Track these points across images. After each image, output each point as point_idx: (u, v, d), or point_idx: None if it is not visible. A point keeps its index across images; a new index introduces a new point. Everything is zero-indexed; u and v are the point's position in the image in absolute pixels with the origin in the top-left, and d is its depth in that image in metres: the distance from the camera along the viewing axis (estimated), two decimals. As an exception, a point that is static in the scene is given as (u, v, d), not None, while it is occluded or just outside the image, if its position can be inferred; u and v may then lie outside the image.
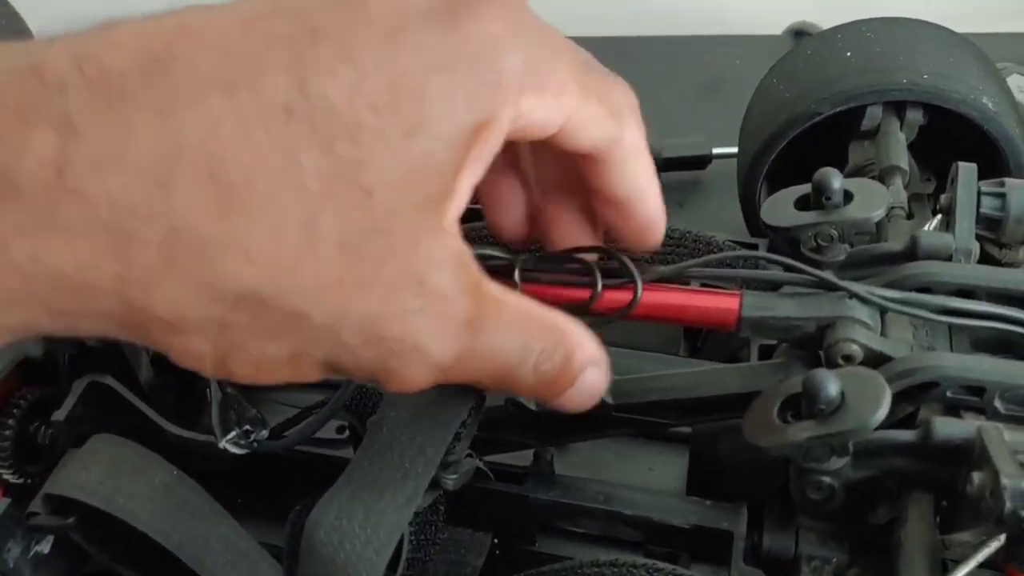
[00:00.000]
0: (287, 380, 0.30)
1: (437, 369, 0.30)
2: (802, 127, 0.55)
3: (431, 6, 0.28)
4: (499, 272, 0.41)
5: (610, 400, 0.41)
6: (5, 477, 0.48)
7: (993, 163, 0.55)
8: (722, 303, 0.39)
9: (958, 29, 0.80)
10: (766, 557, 0.42)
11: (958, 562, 0.34)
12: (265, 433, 0.38)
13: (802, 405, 0.34)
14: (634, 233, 0.37)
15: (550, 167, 0.37)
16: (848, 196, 0.41)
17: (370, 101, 0.27)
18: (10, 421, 0.47)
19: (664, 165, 0.76)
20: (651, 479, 0.50)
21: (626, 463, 0.51)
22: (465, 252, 0.30)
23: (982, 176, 0.47)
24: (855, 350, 0.37)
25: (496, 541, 0.47)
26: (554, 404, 0.34)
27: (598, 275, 0.39)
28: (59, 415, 0.46)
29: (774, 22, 0.96)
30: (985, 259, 0.44)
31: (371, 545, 0.34)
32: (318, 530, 0.34)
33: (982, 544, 0.34)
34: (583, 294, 0.40)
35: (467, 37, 0.28)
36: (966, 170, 0.44)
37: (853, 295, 0.38)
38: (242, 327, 0.28)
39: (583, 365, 0.33)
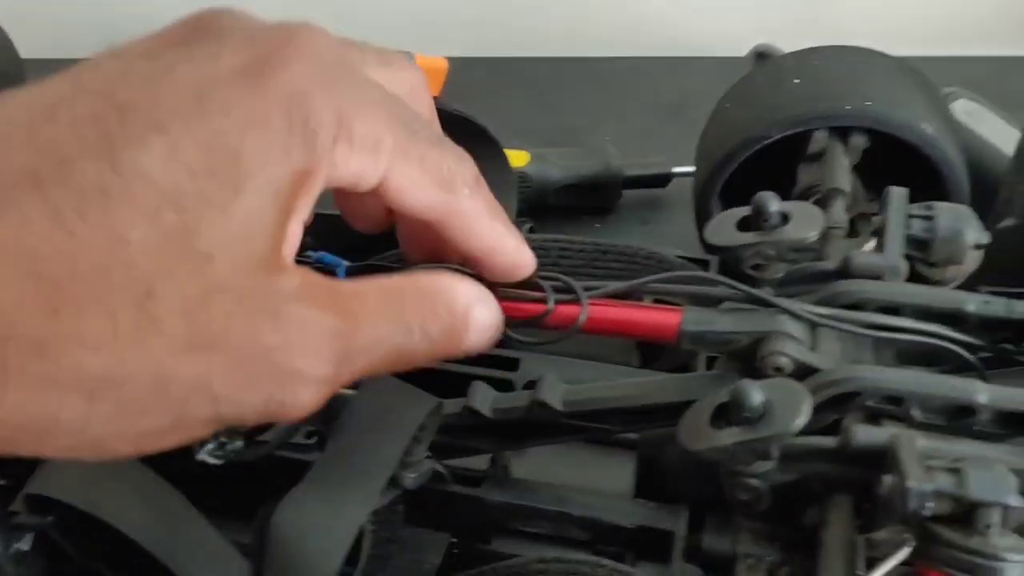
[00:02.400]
0: (177, 445, 0.29)
1: (324, 383, 0.30)
2: (752, 149, 0.58)
3: (237, 68, 0.28)
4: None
5: (561, 408, 0.44)
6: (-12, 479, 0.50)
7: (936, 185, 0.58)
8: (664, 318, 0.42)
9: (917, 52, 0.84)
10: (706, 555, 0.44)
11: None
12: (240, 443, 0.40)
13: (731, 413, 0.37)
14: (492, 277, 0.38)
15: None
16: (785, 218, 0.44)
17: (187, 166, 0.27)
18: (-8, 425, 0.50)
19: (626, 184, 0.79)
20: (603, 483, 0.52)
21: (580, 467, 0.53)
22: (309, 275, 0.30)
23: (924, 198, 0.50)
24: (785, 362, 0.40)
25: (455, 541, 0.50)
26: (463, 353, 0.35)
27: (551, 293, 0.42)
28: (40, 419, 0.48)
29: (739, 45, 0.99)
30: (916, 278, 0.47)
31: (330, 538, 0.36)
32: (281, 527, 0.37)
33: (899, 545, 0.37)
34: (539, 309, 0.42)
35: (276, 92, 0.28)
36: (897, 194, 0.47)
37: (784, 311, 0.40)
38: (107, 414, 0.27)
39: (467, 307, 0.34)
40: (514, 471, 0.51)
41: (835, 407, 0.40)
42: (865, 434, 0.37)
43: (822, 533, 0.38)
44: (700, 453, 0.37)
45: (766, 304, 0.41)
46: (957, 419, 0.39)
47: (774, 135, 0.57)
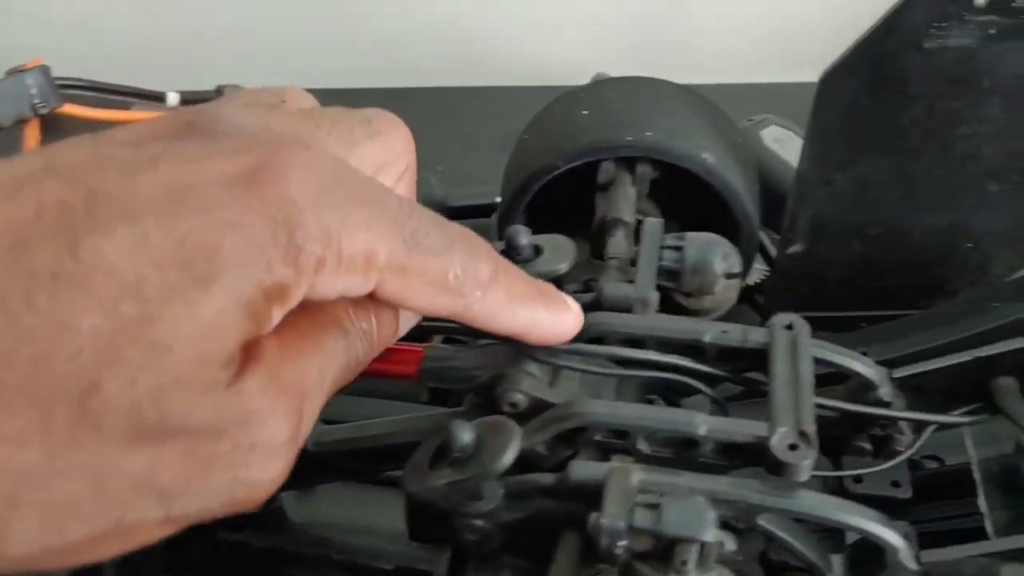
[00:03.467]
0: (121, 552, 0.27)
1: (290, 443, 0.28)
2: (543, 180, 0.58)
3: (226, 172, 0.27)
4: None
5: (312, 448, 0.43)
6: None
7: (726, 213, 0.59)
8: (403, 357, 0.42)
9: (739, 79, 0.85)
10: (465, 595, 0.44)
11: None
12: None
13: (446, 453, 0.36)
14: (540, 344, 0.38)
15: None
16: (538, 250, 0.44)
17: (155, 257, 0.25)
18: None
19: (451, 214, 0.78)
20: (387, 523, 0.52)
21: (365, 508, 0.53)
22: (260, 351, 0.28)
23: (716, 226, 0.51)
24: (520, 398, 0.40)
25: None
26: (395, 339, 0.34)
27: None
28: None
29: (585, 74, 1.00)
30: (674, 308, 0.47)
31: None
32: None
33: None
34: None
35: (264, 200, 0.27)
36: (651, 225, 0.47)
37: (508, 348, 0.40)
38: (31, 523, 0.25)
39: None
40: (303, 512, 0.50)
41: (567, 443, 0.39)
42: (582, 470, 0.37)
43: (550, 570, 0.38)
44: (416, 495, 0.37)
45: (490, 339, 0.41)
46: (683, 451, 0.39)
47: (561, 166, 0.57)
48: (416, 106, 1.01)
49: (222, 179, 0.27)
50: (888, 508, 0.44)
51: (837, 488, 0.45)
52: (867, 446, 0.45)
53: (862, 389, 0.44)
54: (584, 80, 1.00)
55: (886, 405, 0.44)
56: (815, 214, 0.57)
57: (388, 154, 0.35)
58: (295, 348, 0.29)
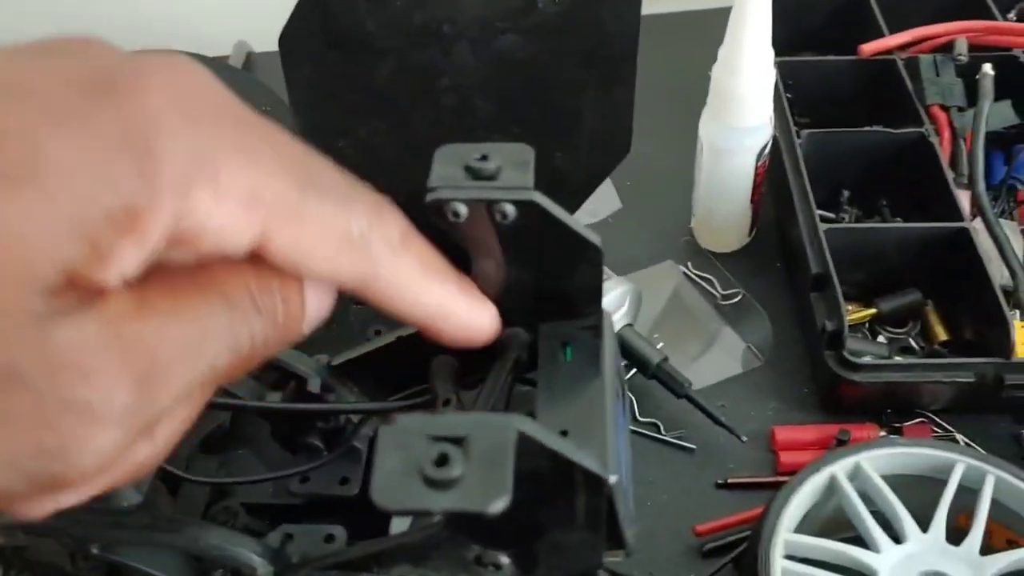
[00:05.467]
0: None
1: (128, 416, 0.22)
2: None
3: (77, 74, 0.22)
4: None
5: None
6: None
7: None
8: None
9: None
10: None
11: None
12: None
13: None
14: (444, 344, 0.31)
15: None
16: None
17: None
18: None
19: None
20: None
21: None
22: (118, 316, 0.22)
23: None
24: None
25: None
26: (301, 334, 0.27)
27: None
28: None
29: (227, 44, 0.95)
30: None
31: None
32: None
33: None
34: None
35: (119, 108, 0.22)
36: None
37: None
38: None
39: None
40: None
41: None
42: None
43: None
44: None
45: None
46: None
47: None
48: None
49: (68, 82, 0.22)
50: (336, 506, 0.41)
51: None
52: (318, 443, 0.42)
53: (300, 383, 0.41)
54: (227, 51, 0.96)
55: (318, 398, 0.40)
56: (333, 187, 0.53)
57: None
58: (159, 308, 0.23)
